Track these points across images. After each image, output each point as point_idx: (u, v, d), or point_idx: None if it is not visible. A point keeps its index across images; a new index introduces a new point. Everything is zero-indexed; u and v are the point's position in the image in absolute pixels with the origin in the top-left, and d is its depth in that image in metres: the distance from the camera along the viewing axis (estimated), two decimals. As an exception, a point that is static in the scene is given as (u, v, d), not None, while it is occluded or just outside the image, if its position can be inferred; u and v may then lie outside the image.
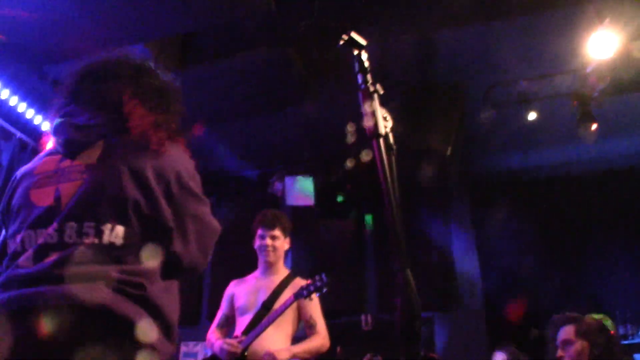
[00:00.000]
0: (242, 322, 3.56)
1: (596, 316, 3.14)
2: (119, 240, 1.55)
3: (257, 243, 3.72)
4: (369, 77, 1.41)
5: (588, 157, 6.93)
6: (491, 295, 6.82)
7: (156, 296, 1.57)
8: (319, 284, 3.39)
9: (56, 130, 1.74)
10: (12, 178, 1.83)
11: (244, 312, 3.60)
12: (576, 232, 6.95)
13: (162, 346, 1.57)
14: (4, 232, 1.81)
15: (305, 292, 3.38)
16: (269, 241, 3.66)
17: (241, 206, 7.49)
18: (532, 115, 5.88)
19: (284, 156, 7.19)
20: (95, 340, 1.43)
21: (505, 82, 5.76)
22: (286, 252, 3.82)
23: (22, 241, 1.61)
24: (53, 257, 1.52)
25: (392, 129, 1.37)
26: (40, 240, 1.56)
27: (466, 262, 6.98)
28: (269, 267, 3.70)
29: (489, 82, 5.78)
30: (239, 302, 3.66)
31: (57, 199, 1.63)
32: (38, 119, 6.14)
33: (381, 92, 1.40)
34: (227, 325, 3.70)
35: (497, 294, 6.78)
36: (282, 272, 3.73)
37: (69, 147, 1.72)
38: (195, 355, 7.14)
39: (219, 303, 3.83)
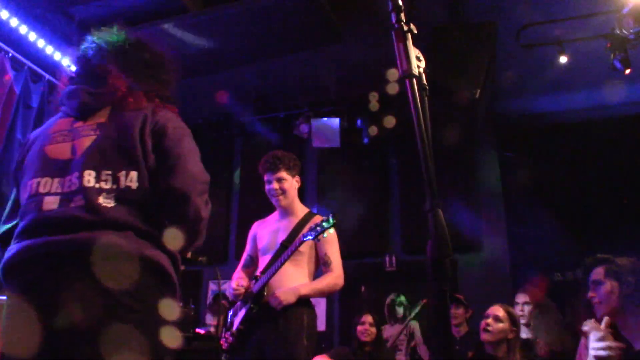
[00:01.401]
0: (262, 262, 3.62)
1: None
2: (133, 184, 1.78)
3: (266, 188, 3.67)
4: (402, 16, 1.37)
5: (620, 101, 6.75)
6: (516, 239, 6.83)
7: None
8: (325, 225, 3.35)
9: (70, 95, 1.97)
10: (25, 140, 2.06)
11: (265, 252, 3.64)
12: (605, 176, 6.86)
13: (177, 288, 1.84)
14: (14, 189, 1.99)
15: (312, 234, 3.34)
16: (275, 185, 3.60)
17: (267, 148, 7.53)
18: (563, 59, 5.72)
19: (310, 98, 7.14)
20: (135, 282, 1.64)
21: (537, 22, 5.59)
22: (299, 190, 3.76)
23: (37, 185, 1.80)
24: (78, 202, 1.72)
25: (425, 70, 1.35)
26: (65, 188, 1.76)
27: (491, 205, 6.97)
28: (285, 209, 3.68)
29: (521, 22, 5.62)
30: (261, 243, 3.70)
31: (74, 152, 1.84)
32: (66, 61, 6.17)
33: (415, 31, 1.37)
34: (252, 265, 3.75)
35: (521, 238, 6.80)
36: (301, 211, 3.71)
37: (82, 110, 1.94)
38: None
39: (245, 243, 3.89)
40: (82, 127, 1.90)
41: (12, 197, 2.00)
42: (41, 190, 1.78)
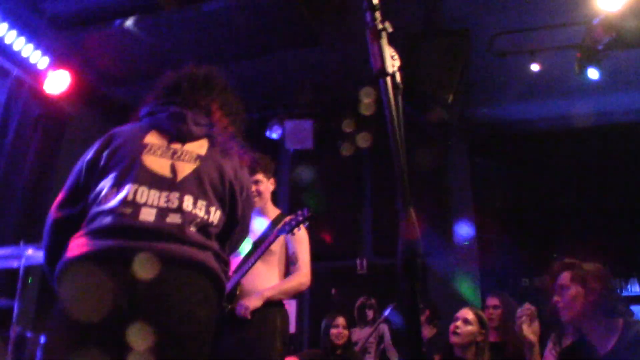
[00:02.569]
0: (234, 262, 3.60)
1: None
2: (216, 221, 1.99)
3: None
4: (377, 14, 1.37)
5: (589, 110, 6.87)
6: (485, 244, 6.90)
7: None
8: (300, 218, 3.36)
9: (175, 116, 2.09)
10: (106, 135, 2.11)
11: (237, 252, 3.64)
12: (572, 185, 6.98)
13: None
14: (82, 178, 2.01)
15: (287, 227, 3.35)
16: (252, 187, 3.62)
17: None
18: (534, 67, 5.81)
19: (285, 99, 7.10)
20: (206, 291, 1.88)
21: (509, 31, 5.67)
22: (273, 193, 3.78)
23: (135, 192, 1.89)
24: (176, 219, 1.87)
25: (399, 69, 1.35)
26: (162, 203, 1.89)
27: (462, 209, 7.04)
28: (259, 211, 3.69)
29: (494, 30, 5.70)
30: (232, 243, 3.70)
31: (173, 172, 1.97)
32: (35, 56, 6.05)
33: (390, 30, 1.37)
34: (225, 266, 3.74)
35: (490, 243, 6.87)
36: (272, 212, 3.72)
37: (184, 135, 2.08)
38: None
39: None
40: (181, 150, 2.04)
41: (75, 184, 2.03)
42: (138, 199, 1.88)
